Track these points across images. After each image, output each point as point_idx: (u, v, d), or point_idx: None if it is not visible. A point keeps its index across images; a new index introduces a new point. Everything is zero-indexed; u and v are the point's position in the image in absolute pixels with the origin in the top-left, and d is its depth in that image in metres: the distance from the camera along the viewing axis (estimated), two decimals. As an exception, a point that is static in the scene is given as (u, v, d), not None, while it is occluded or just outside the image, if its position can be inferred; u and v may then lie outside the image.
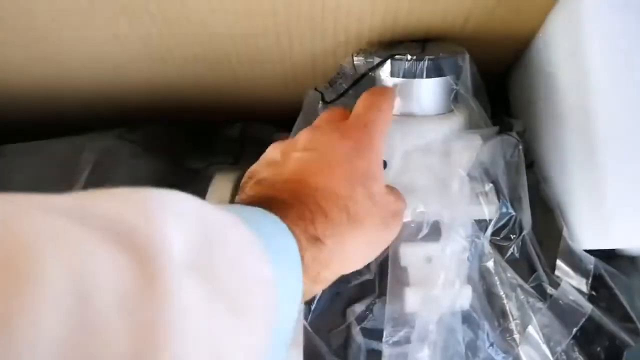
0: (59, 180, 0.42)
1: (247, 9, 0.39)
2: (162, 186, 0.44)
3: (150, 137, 0.47)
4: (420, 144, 0.39)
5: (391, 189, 0.34)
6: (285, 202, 0.28)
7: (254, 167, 0.34)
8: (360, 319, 0.34)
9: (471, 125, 0.40)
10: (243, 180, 0.33)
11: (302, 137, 0.33)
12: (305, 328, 0.33)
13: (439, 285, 0.34)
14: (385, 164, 0.40)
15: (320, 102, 0.45)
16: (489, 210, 0.34)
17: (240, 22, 0.41)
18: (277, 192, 0.29)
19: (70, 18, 0.40)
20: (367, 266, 0.36)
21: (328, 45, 0.43)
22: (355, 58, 0.41)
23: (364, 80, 0.42)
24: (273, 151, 0.34)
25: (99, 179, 0.41)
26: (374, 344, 0.34)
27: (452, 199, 0.33)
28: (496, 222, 0.34)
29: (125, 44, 0.44)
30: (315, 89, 0.44)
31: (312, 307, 0.34)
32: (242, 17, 0.41)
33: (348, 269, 0.31)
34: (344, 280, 0.36)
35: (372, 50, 0.41)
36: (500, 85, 0.49)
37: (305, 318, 0.33)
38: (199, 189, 0.43)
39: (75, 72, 0.48)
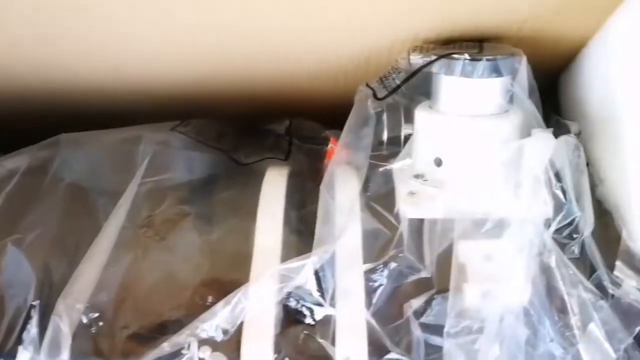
0: (117, 170, 0.42)
1: (301, 3, 0.40)
2: (216, 179, 0.45)
3: (201, 131, 0.48)
4: (476, 143, 0.40)
5: None
6: None
7: None
8: (419, 313, 0.35)
9: (525, 127, 0.40)
10: None
11: None
12: (368, 321, 0.34)
13: (498, 282, 0.35)
14: (439, 162, 0.41)
15: (371, 98, 0.45)
16: (552, 208, 0.34)
17: (293, 18, 0.42)
18: None
19: (123, 13, 0.41)
20: (422, 263, 0.37)
21: (384, 42, 0.43)
22: (411, 55, 0.42)
23: (417, 78, 0.43)
24: None
25: (157, 170, 0.42)
26: (433, 339, 0.34)
27: (517, 196, 0.34)
28: (560, 221, 0.34)
29: (181, 40, 0.45)
30: (367, 85, 0.45)
31: (374, 300, 0.35)
32: (294, 12, 0.41)
33: None
34: (402, 274, 0.36)
35: (429, 48, 0.42)
36: (551, 86, 0.49)
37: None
38: (251, 183, 0.43)
39: (126, 69, 0.49)
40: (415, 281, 0.36)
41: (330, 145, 0.51)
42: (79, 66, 0.48)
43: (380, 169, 0.43)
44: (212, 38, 0.45)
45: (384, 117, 0.44)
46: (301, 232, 0.39)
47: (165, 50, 0.47)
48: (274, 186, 0.42)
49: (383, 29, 0.42)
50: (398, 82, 0.43)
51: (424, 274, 0.36)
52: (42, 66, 0.47)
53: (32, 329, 0.34)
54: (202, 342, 0.32)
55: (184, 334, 0.32)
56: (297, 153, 0.50)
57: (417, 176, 0.41)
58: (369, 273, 0.35)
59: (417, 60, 0.41)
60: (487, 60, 0.39)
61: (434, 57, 0.40)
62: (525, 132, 0.40)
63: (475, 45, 0.41)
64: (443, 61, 0.40)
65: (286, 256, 0.37)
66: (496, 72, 0.39)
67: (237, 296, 0.33)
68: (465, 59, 0.39)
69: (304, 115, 0.56)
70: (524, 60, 0.40)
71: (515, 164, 0.36)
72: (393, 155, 0.44)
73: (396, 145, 0.44)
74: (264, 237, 0.38)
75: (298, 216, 0.41)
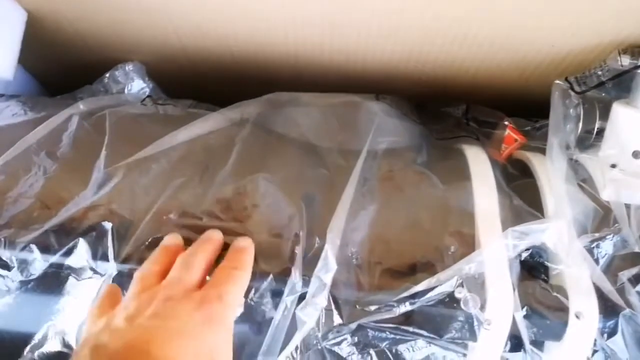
0: (342, 130, 0.47)
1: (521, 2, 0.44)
2: (424, 148, 0.49)
3: (397, 105, 0.52)
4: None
5: None
6: None
7: (89, 332, 0.32)
8: (633, 282, 0.39)
9: None
10: (77, 348, 0.32)
11: (154, 303, 0.32)
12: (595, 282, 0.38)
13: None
14: (638, 155, 0.45)
15: (569, 91, 0.49)
16: None
17: (509, 14, 0.46)
18: None
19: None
20: (632, 239, 0.41)
21: (589, 43, 0.48)
22: (622, 56, 0.46)
23: (622, 78, 0.47)
24: (116, 316, 0.32)
25: (385, 133, 0.46)
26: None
27: None
28: None
29: (383, 23, 0.49)
30: (566, 79, 0.49)
31: (599, 265, 0.39)
32: (510, 9, 0.45)
33: None
34: (621, 247, 0.41)
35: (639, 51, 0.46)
36: None
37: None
38: (452, 156, 0.48)
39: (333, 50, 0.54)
40: (627, 254, 0.41)
41: (507, 131, 0.56)
42: (291, 44, 0.53)
43: (575, 157, 0.47)
44: (413, 22, 0.49)
45: (580, 110, 0.48)
46: (510, 196, 0.44)
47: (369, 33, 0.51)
48: (479, 157, 0.47)
49: (596, 31, 0.46)
50: (603, 79, 0.47)
51: (636, 249, 0.40)
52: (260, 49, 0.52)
53: (299, 255, 0.38)
54: (459, 284, 0.37)
55: (448, 273, 0.37)
56: (479, 135, 0.54)
57: (612, 166, 0.46)
58: (596, 241, 0.40)
59: (626, 61, 0.46)
60: (701, 68, 0.43)
61: (643, 61, 0.45)
62: None
63: (683, 55, 0.45)
64: (655, 65, 0.44)
65: (502, 215, 0.41)
66: None
67: (486, 248, 0.38)
68: (680, 66, 0.43)
69: (471, 100, 0.60)
70: None
71: None
72: (585, 145, 0.48)
73: (588, 135, 0.48)
74: (483, 199, 0.42)
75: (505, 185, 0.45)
